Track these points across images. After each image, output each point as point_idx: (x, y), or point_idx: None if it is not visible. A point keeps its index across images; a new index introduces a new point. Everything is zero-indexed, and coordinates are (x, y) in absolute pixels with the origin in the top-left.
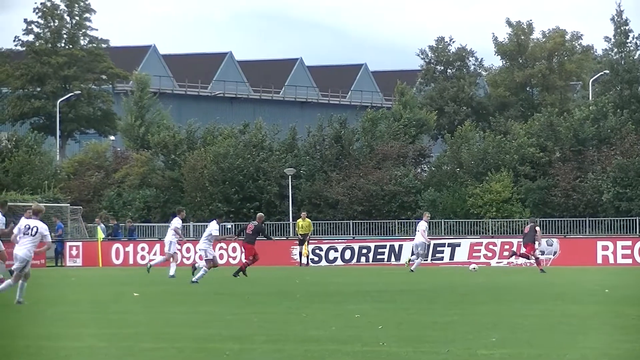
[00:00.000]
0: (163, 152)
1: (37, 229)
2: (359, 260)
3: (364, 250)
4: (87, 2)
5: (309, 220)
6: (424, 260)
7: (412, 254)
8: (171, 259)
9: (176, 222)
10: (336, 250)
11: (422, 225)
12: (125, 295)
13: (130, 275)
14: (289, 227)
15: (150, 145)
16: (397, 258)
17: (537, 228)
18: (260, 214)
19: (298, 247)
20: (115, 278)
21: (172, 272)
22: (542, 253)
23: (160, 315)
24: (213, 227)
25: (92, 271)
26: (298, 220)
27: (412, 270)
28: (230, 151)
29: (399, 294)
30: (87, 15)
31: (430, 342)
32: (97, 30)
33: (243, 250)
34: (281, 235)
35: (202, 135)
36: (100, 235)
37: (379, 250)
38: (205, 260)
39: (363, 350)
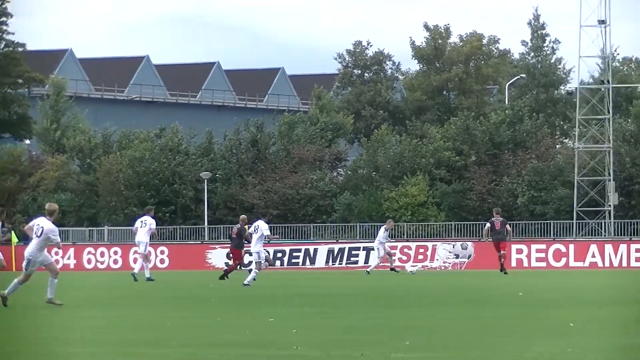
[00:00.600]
0: (78, 156)
1: (43, 230)
2: (272, 264)
3: (279, 254)
4: (3, 6)
5: None
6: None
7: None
8: (145, 260)
9: (152, 221)
10: (250, 254)
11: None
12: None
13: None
14: (204, 231)
15: (65, 149)
16: (312, 262)
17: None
18: (242, 216)
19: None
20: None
21: (147, 274)
22: (457, 256)
23: (72, 320)
24: (264, 227)
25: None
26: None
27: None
28: (146, 155)
29: (314, 298)
30: (3, 19)
31: (345, 346)
32: (13, 34)
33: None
34: (196, 239)
35: (118, 139)
36: (15, 239)
37: (294, 254)
38: (256, 262)
39: (278, 354)
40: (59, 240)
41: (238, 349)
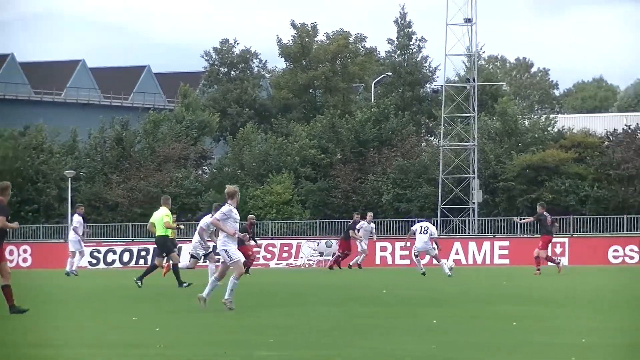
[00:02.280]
0: None
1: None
2: (137, 262)
3: (143, 253)
4: None
5: None
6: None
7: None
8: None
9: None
10: (115, 252)
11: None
12: None
13: None
14: (67, 230)
15: None
16: None
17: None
18: (250, 216)
19: None
20: None
21: (71, 267)
22: (322, 254)
23: None
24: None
25: None
26: None
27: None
28: (9, 153)
29: (179, 298)
30: None
31: (209, 344)
32: None
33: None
34: (59, 238)
35: None
36: None
37: None
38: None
39: (140, 354)
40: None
41: (100, 349)
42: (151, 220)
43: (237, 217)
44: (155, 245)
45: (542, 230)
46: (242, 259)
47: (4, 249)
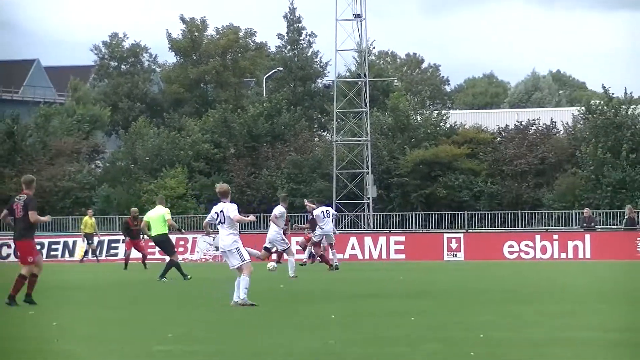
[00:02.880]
0: None
1: None
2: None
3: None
4: None
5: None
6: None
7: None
8: None
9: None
10: (9, 246)
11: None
12: None
13: None
14: None
15: None
16: (71, 254)
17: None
18: (133, 209)
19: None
20: None
21: None
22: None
23: None
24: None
25: None
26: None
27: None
28: None
29: (77, 292)
30: None
31: (107, 339)
32: None
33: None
34: None
35: None
36: None
37: (53, 246)
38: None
39: (36, 348)
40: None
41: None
42: (145, 218)
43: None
44: (156, 244)
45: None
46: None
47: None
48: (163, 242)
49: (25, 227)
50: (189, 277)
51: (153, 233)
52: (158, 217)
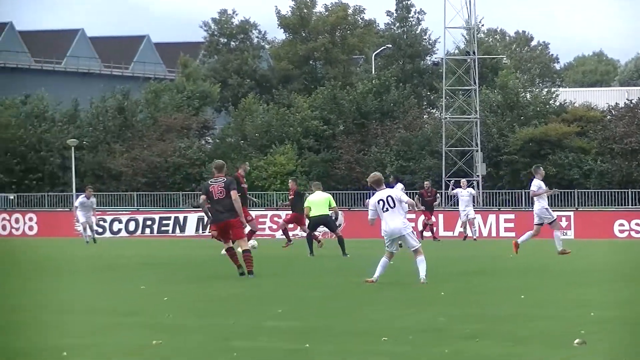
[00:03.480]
0: None
1: None
2: (143, 231)
3: (149, 222)
4: None
5: None
6: None
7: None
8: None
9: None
10: (120, 221)
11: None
12: None
13: None
14: (72, 199)
15: None
16: (182, 230)
17: None
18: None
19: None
20: None
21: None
22: None
23: None
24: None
25: None
26: None
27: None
28: (11, 122)
29: (184, 267)
30: None
31: (216, 314)
32: None
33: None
34: (64, 206)
35: None
36: None
37: (164, 222)
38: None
39: (149, 322)
40: None
41: (109, 317)
42: (307, 204)
43: None
44: (311, 222)
45: None
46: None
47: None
48: (327, 222)
49: (231, 207)
50: (348, 255)
51: (316, 214)
52: (321, 201)
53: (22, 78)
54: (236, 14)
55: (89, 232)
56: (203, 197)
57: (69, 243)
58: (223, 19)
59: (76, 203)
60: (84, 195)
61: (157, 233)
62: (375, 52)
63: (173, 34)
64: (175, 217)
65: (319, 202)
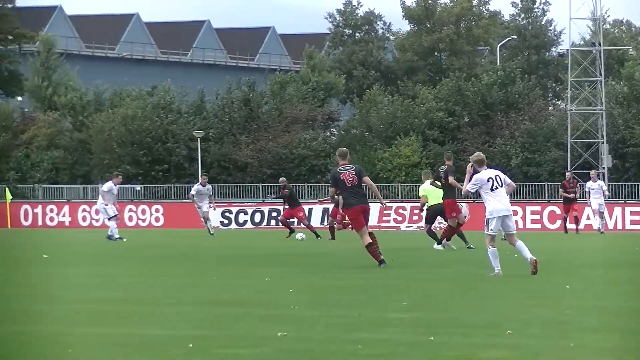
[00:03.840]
0: (70, 114)
1: None
2: (269, 223)
3: (274, 214)
4: None
5: None
6: None
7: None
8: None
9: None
10: (246, 213)
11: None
12: (35, 256)
13: (40, 236)
14: None
15: (57, 106)
16: (308, 221)
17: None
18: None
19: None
20: (25, 239)
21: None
22: None
23: (58, 277)
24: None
25: (1, 232)
26: None
27: None
28: (138, 113)
29: (308, 258)
30: None
31: (341, 305)
32: None
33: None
34: None
35: (109, 97)
36: (9, 196)
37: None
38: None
39: (274, 314)
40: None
41: (234, 308)
42: (422, 192)
43: None
44: (429, 213)
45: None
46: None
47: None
48: (436, 212)
49: (364, 193)
50: (472, 247)
51: (433, 203)
52: (436, 189)
53: (149, 69)
54: (361, 5)
55: (211, 222)
56: (332, 189)
57: (195, 234)
58: (348, 10)
59: (192, 191)
60: (199, 183)
61: (283, 225)
62: (500, 43)
63: (298, 25)
64: None
65: (434, 190)
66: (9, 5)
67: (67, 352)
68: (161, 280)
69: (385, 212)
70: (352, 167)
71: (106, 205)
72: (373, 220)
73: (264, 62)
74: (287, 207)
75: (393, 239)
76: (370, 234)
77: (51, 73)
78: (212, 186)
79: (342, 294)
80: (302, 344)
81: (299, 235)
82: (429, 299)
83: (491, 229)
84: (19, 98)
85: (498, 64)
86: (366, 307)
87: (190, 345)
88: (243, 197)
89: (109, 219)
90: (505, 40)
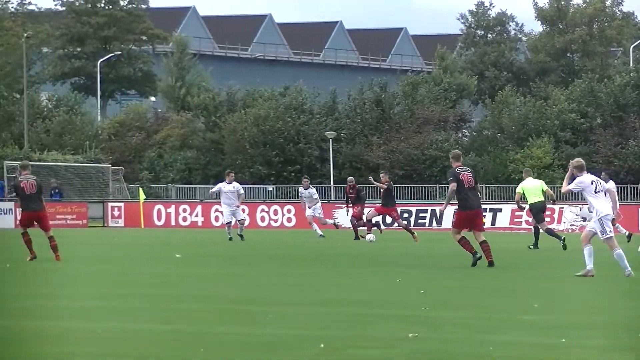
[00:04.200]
0: (203, 114)
1: None
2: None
3: (405, 215)
4: None
5: None
6: None
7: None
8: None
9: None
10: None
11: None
12: (166, 256)
13: (170, 236)
14: (330, 191)
15: (190, 106)
16: (439, 222)
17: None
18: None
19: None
20: (158, 239)
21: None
22: (584, 219)
23: (196, 278)
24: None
25: (135, 232)
26: None
27: None
28: (270, 114)
29: (441, 259)
30: None
31: (472, 307)
32: None
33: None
34: (322, 198)
35: (242, 97)
36: (142, 196)
37: (420, 214)
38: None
39: (405, 314)
40: None
41: (367, 308)
42: (519, 190)
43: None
44: (532, 211)
45: None
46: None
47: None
48: (538, 210)
49: (478, 196)
50: (563, 238)
51: (532, 201)
52: (536, 187)
53: (281, 70)
54: (493, 6)
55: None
56: (454, 184)
57: (328, 234)
58: (480, 11)
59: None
60: (225, 181)
61: (414, 226)
62: (634, 45)
63: (430, 26)
64: (432, 209)
65: (533, 188)
66: (143, 6)
67: (199, 351)
68: (292, 280)
69: (517, 213)
70: (469, 170)
71: None
72: (503, 221)
73: (395, 63)
74: (353, 207)
75: (524, 240)
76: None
77: (184, 73)
78: (344, 186)
79: (472, 295)
80: (434, 344)
81: (369, 237)
82: (558, 302)
83: (591, 228)
84: (153, 98)
85: (631, 65)
86: (496, 308)
87: (322, 345)
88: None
89: None
90: (638, 42)
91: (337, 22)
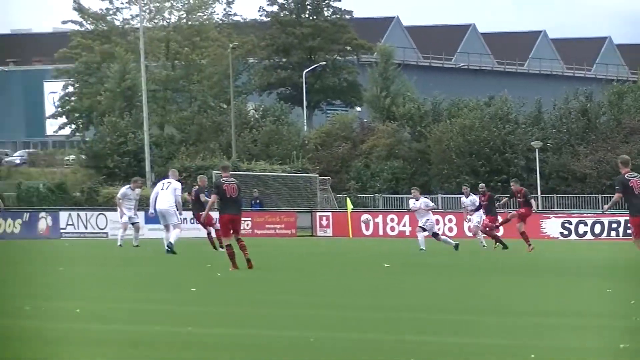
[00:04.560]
0: (409, 124)
1: None
2: (609, 234)
3: (614, 225)
4: None
5: None
6: None
7: None
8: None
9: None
10: (586, 224)
11: None
12: (375, 265)
13: (380, 245)
14: (538, 201)
15: (395, 116)
16: None
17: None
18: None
19: None
20: (367, 249)
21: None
22: None
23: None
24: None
25: (343, 241)
26: None
27: None
28: (476, 123)
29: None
30: None
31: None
32: (340, 1)
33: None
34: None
35: (447, 107)
36: (350, 205)
37: (629, 225)
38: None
39: (616, 325)
40: None
41: (579, 318)
42: None
43: None
44: None
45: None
46: None
47: None
48: None
49: None
50: None
51: None
52: None
53: (485, 80)
54: None
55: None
56: (618, 195)
57: (536, 245)
58: None
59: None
60: (128, 186)
61: (623, 236)
62: None
63: (637, 34)
64: None
65: None
66: (347, 17)
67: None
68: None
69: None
70: (638, 176)
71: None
72: None
73: (600, 72)
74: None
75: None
76: None
77: (389, 83)
78: (551, 196)
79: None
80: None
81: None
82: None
83: None
84: (358, 108)
85: None
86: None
87: (532, 356)
88: (582, 208)
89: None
90: None
91: (540, 31)
